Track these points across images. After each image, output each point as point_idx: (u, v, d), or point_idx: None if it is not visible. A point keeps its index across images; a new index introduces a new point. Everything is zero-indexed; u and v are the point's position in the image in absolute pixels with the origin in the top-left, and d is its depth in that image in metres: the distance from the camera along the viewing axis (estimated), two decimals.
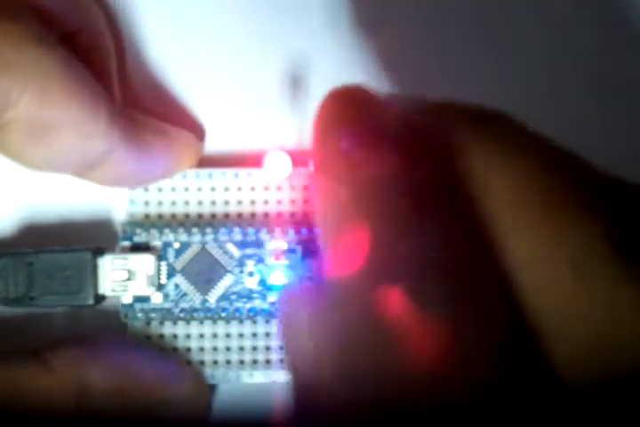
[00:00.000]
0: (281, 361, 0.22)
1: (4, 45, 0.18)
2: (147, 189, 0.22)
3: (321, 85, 0.23)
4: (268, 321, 0.22)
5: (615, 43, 0.23)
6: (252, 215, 0.22)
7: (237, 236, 0.22)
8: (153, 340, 0.22)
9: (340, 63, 0.23)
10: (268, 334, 0.22)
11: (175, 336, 0.22)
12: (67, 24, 0.20)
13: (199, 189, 0.22)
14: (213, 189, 0.22)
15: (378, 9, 0.23)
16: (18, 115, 0.18)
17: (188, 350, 0.22)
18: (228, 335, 0.22)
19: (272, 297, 0.22)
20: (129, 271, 0.21)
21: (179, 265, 0.22)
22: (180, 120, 0.23)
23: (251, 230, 0.22)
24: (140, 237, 0.22)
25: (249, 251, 0.22)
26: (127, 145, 0.20)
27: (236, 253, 0.22)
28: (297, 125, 0.23)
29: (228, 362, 0.22)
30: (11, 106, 0.18)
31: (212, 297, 0.22)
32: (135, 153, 0.20)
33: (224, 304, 0.22)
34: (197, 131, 0.23)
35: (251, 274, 0.22)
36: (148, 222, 0.22)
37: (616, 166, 0.14)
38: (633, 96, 0.23)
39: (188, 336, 0.22)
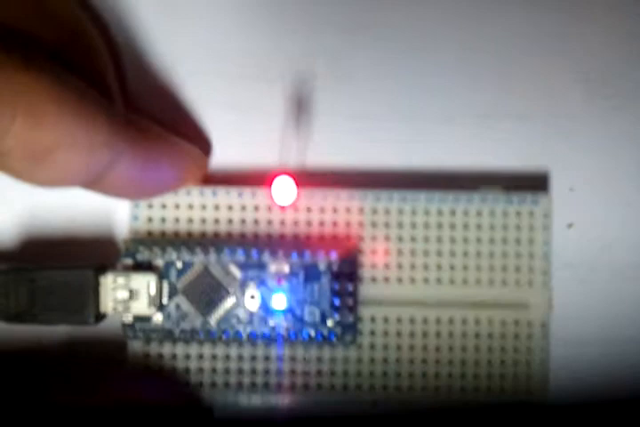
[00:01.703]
0: (279, 385, 0.22)
1: None
2: (150, 206, 0.22)
3: (325, 107, 0.23)
4: (267, 344, 0.22)
5: None
6: (255, 235, 0.22)
7: (240, 257, 0.22)
8: (152, 359, 0.22)
9: (344, 85, 0.23)
10: (267, 358, 0.22)
11: (174, 356, 0.22)
12: (55, 40, 0.20)
13: (203, 207, 0.22)
14: (217, 208, 0.22)
15: (380, 33, 0.23)
16: (15, 141, 0.18)
17: (187, 370, 0.22)
18: (227, 357, 0.22)
19: (273, 321, 0.22)
20: (130, 290, 0.21)
21: (180, 285, 0.22)
22: (185, 136, 0.22)
23: (253, 252, 0.22)
24: (143, 255, 0.22)
25: (251, 273, 0.22)
26: (133, 152, 0.20)
27: (238, 274, 0.22)
28: (301, 146, 0.23)
29: (227, 384, 0.22)
30: (4, 134, 0.17)
31: (213, 319, 0.22)
32: (141, 160, 0.20)
33: (224, 327, 0.22)
34: (204, 147, 0.23)
35: (252, 297, 0.22)
36: (150, 240, 0.22)
37: None
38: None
39: (188, 357, 0.22)
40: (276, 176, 0.21)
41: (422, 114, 0.23)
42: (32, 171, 0.19)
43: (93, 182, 0.20)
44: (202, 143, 0.23)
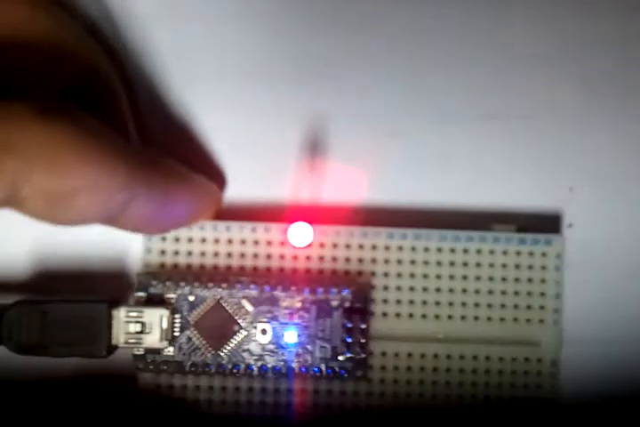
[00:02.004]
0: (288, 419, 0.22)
1: (4, 127, 0.17)
2: (164, 239, 0.22)
3: (338, 145, 0.23)
4: (278, 379, 0.22)
5: None
6: (268, 270, 0.22)
7: (252, 292, 0.22)
8: (162, 390, 0.22)
9: (358, 123, 0.23)
10: (277, 390, 0.22)
11: (185, 387, 0.22)
12: (72, 80, 0.20)
13: (216, 241, 0.22)
14: (230, 242, 0.22)
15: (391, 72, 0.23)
16: (33, 190, 0.18)
17: (197, 401, 0.22)
18: (237, 389, 0.22)
19: (284, 356, 0.22)
20: (143, 324, 0.21)
21: (192, 319, 0.22)
22: (200, 170, 0.22)
23: (265, 287, 0.22)
24: (156, 288, 0.22)
25: (263, 308, 0.22)
26: (149, 190, 0.20)
27: (250, 309, 0.22)
28: (314, 182, 0.23)
29: (237, 416, 0.22)
30: (22, 184, 0.17)
31: (224, 353, 0.22)
32: (157, 198, 0.20)
33: (235, 360, 0.22)
34: (218, 181, 0.23)
35: (264, 332, 0.22)
36: (163, 273, 0.22)
37: None
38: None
39: (198, 388, 0.22)
40: (290, 215, 0.22)
41: (439, 150, 0.23)
42: (51, 214, 0.19)
43: (110, 220, 0.20)
44: (216, 177, 0.23)
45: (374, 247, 0.22)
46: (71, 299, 0.21)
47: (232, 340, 0.22)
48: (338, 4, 0.23)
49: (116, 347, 0.22)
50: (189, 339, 0.22)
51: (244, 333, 0.22)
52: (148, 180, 0.20)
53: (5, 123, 0.17)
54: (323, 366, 0.22)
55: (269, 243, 0.22)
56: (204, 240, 0.22)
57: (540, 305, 0.22)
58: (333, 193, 0.23)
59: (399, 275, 0.22)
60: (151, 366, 0.22)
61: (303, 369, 0.22)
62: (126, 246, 0.23)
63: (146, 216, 0.20)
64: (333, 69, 0.23)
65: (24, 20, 0.20)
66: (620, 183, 0.23)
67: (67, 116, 0.18)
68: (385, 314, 0.22)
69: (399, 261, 0.22)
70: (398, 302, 0.22)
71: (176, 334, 0.22)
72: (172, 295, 0.22)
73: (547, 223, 0.23)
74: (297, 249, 0.22)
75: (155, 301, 0.22)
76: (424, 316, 0.22)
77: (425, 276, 0.22)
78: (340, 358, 0.22)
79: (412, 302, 0.22)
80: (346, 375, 0.22)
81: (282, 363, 0.22)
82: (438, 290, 0.22)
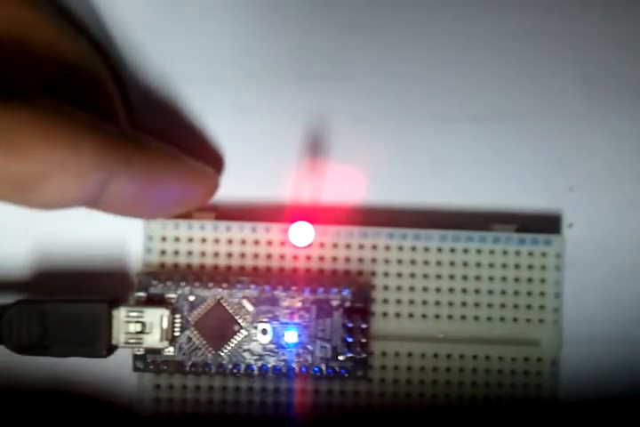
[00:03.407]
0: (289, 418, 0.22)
1: None
2: (164, 239, 0.22)
3: (338, 145, 0.23)
4: (278, 378, 0.22)
5: None
6: (268, 270, 0.22)
7: (253, 292, 0.22)
8: (162, 390, 0.22)
9: (358, 124, 0.23)
10: (277, 390, 0.22)
11: (185, 387, 0.22)
12: (56, 72, 0.20)
13: (216, 241, 0.22)
14: (230, 242, 0.22)
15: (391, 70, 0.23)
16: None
17: (197, 401, 0.22)
18: (237, 389, 0.22)
19: (284, 356, 0.22)
20: (143, 324, 0.21)
21: (192, 319, 0.22)
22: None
23: (266, 287, 0.22)
24: (156, 288, 0.22)
25: (263, 308, 0.22)
26: (129, 170, 0.19)
27: (251, 309, 0.22)
28: (315, 182, 0.23)
29: (237, 416, 0.22)
30: None
31: (225, 353, 0.22)
32: (140, 178, 0.20)
33: (236, 360, 0.22)
34: (215, 165, 0.23)
35: (264, 331, 0.22)
36: (163, 273, 0.22)
37: None
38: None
39: (198, 388, 0.22)
40: (291, 215, 0.22)
41: (440, 152, 0.23)
42: (24, 200, 0.19)
43: (92, 202, 0.20)
44: (214, 160, 0.23)
45: (374, 247, 0.22)
46: (71, 299, 0.21)
47: (232, 340, 0.22)
48: (336, 6, 0.23)
49: (116, 347, 0.22)
50: (190, 339, 0.22)
51: (244, 333, 0.22)
52: (126, 158, 0.19)
53: None
54: (323, 366, 0.22)
55: (270, 243, 0.22)
56: (204, 240, 0.22)
57: (539, 305, 0.22)
58: (333, 193, 0.23)
59: (399, 275, 0.22)
60: (151, 366, 0.22)
61: (303, 369, 0.22)
62: (126, 246, 0.23)
63: (130, 196, 0.20)
64: (333, 70, 0.23)
65: (9, 16, 0.20)
66: (620, 183, 0.23)
67: (28, 101, 0.18)
68: (385, 314, 0.22)
69: (399, 261, 0.22)
70: (398, 301, 0.22)
71: (176, 334, 0.22)
72: (172, 295, 0.22)
73: (547, 223, 0.23)
74: (297, 249, 0.22)
75: (155, 301, 0.22)
76: (424, 316, 0.22)
77: (425, 276, 0.22)
78: (341, 357, 0.22)
79: (412, 301, 0.22)
80: (346, 375, 0.22)
81: (282, 363, 0.22)
82: (438, 290, 0.22)
